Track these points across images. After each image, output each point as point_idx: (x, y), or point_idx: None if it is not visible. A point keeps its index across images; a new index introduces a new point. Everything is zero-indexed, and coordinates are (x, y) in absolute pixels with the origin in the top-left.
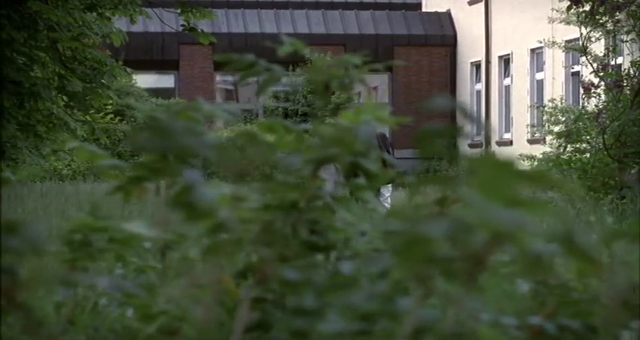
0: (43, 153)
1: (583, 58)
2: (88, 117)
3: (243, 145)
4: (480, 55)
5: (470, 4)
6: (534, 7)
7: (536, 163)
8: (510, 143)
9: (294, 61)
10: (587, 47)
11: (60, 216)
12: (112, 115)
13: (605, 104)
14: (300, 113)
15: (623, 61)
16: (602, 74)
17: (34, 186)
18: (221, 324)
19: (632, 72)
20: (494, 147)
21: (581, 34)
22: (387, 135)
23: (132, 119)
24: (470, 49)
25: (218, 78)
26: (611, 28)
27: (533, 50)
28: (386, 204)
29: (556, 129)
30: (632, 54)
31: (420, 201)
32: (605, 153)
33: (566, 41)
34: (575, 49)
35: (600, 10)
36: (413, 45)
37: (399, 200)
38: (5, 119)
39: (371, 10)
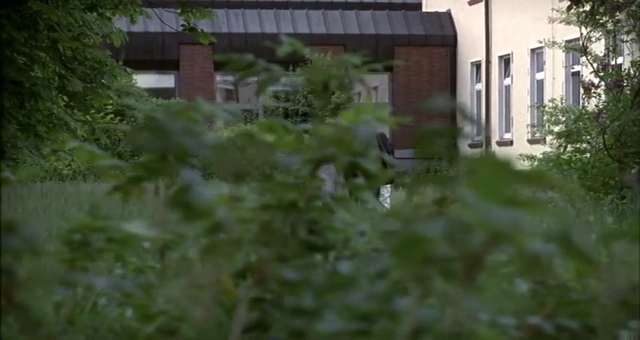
0: (44, 153)
1: (583, 58)
2: (88, 117)
3: (242, 145)
4: (480, 55)
5: (470, 4)
6: (534, 7)
7: (536, 163)
8: (511, 143)
9: (294, 61)
10: (587, 47)
11: (60, 216)
12: (112, 115)
13: (606, 104)
14: (300, 113)
15: (624, 61)
16: (602, 74)
17: (34, 186)
18: (220, 324)
19: (632, 72)
20: (495, 147)
21: (582, 34)
22: (387, 135)
23: (132, 119)
24: (470, 49)
25: (218, 78)
26: (612, 28)
27: (533, 50)
28: (385, 204)
29: (556, 129)
30: (633, 54)
31: (419, 201)
32: (606, 153)
33: (567, 41)
34: (576, 49)
35: (600, 10)
36: (413, 45)
37: (398, 200)
38: (5, 119)
39: (371, 10)
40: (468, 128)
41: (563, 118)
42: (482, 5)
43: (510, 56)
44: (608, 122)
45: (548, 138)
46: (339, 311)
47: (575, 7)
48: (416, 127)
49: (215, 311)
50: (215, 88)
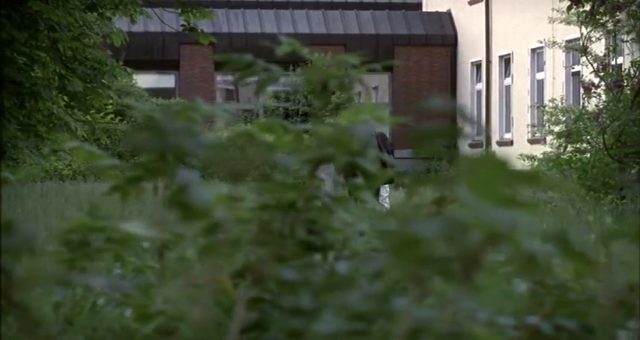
0: (44, 153)
1: (583, 58)
2: (88, 117)
3: (241, 145)
4: (480, 55)
5: (470, 3)
6: (535, 7)
7: (536, 163)
8: (511, 143)
9: (294, 61)
10: (587, 47)
11: (60, 216)
12: (112, 115)
13: (606, 104)
14: (300, 113)
15: (624, 60)
16: (602, 74)
17: (34, 186)
18: (218, 324)
19: (632, 72)
20: (495, 147)
21: (582, 34)
22: (387, 135)
23: (132, 119)
24: (470, 48)
25: (218, 78)
26: (612, 28)
27: (533, 50)
28: (385, 204)
29: (556, 129)
30: (633, 54)
31: (418, 201)
32: (606, 153)
33: (567, 41)
34: (576, 49)
35: (600, 10)
36: (413, 45)
37: (397, 200)
38: (6, 119)
39: (371, 10)
40: (467, 128)
41: (564, 118)
42: (482, 5)
43: (511, 56)
44: (608, 122)
45: (549, 138)
46: (337, 311)
47: (575, 7)
48: (416, 127)
49: (213, 311)
50: (215, 88)
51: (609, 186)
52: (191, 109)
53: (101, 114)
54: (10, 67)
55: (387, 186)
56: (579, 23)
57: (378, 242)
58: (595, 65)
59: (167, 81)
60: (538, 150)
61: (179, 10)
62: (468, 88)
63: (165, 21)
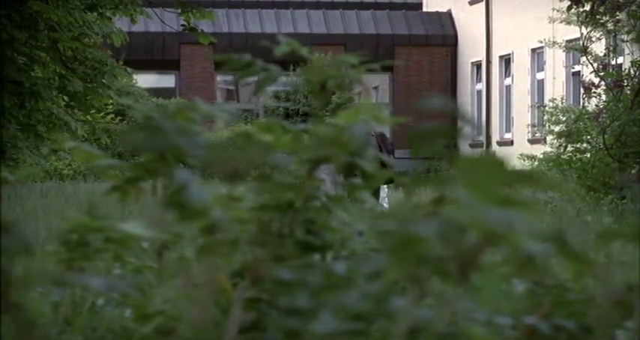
0: (44, 153)
1: (583, 58)
2: (88, 117)
3: (239, 145)
4: (480, 55)
5: (470, 3)
6: (535, 7)
7: (536, 163)
8: (511, 143)
9: (295, 61)
10: (587, 47)
11: (60, 216)
12: (112, 115)
13: (606, 104)
14: (301, 113)
15: (624, 60)
16: (602, 74)
17: (34, 186)
18: (217, 324)
19: (632, 72)
20: (495, 147)
21: (582, 33)
22: (388, 135)
23: (132, 119)
24: (471, 48)
25: (219, 78)
26: (612, 27)
27: (533, 50)
28: (384, 205)
29: (557, 129)
30: (633, 54)
31: (417, 202)
32: (606, 153)
33: (567, 41)
34: (576, 49)
35: (600, 10)
36: (414, 45)
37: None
38: (6, 119)
39: (372, 10)
40: (466, 128)
41: (564, 118)
42: (482, 5)
43: (511, 56)
44: (608, 122)
45: (549, 138)
46: (334, 311)
47: (575, 7)
48: (415, 127)
49: (212, 311)
50: (216, 88)
51: (609, 186)
52: (190, 109)
53: (101, 114)
54: (10, 66)
55: (385, 186)
56: (579, 23)
57: (376, 242)
58: (595, 65)
59: (167, 81)
60: (538, 150)
61: (179, 10)
62: (468, 88)
63: (166, 21)
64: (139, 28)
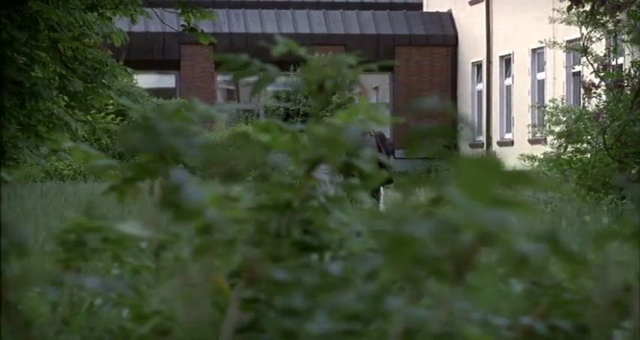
0: (44, 153)
1: (584, 58)
2: (89, 117)
3: (237, 145)
4: (481, 55)
5: (471, 4)
6: (535, 7)
7: (537, 163)
8: (511, 143)
9: (295, 61)
10: (587, 47)
11: (59, 216)
12: (113, 115)
13: (606, 104)
14: (301, 113)
15: (624, 61)
16: (602, 74)
17: (34, 186)
18: (214, 324)
19: (632, 72)
20: (496, 148)
21: (582, 34)
22: (388, 135)
23: (132, 119)
24: (471, 49)
25: (219, 78)
26: (612, 28)
27: (534, 50)
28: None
29: (557, 129)
30: (633, 54)
31: (413, 202)
32: (606, 153)
33: (567, 41)
34: (576, 49)
35: (601, 10)
36: (414, 45)
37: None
38: (6, 119)
39: (372, 10)
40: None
41: (564, 118)
42: (483, 5)
43: (511, 56)
44: (608, 122)
45: (549, 138)
46: (330, 311)
47: (575, 7)
48: (412, 127)
49: (209, 311)
50: (216, 88)
51: (609, 186)
52: (187, 109)
53: (102, 115)
54: (10, 67)
55: (380, 187)
56: (580, 23)
57: (374, 242)
58: (595, 65)
59: (168, 81)
60: (539, 151)
61: (179, 11)
62: (468, 88)
63: (166, 21)
64: (139, 28)
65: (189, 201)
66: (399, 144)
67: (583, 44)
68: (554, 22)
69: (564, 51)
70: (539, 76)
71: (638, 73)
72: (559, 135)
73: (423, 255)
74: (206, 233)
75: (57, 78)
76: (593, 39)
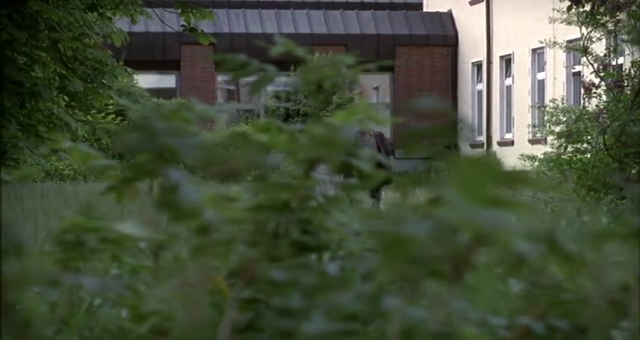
0: (44, 153)
1: (584, 58)
2: (89, 117)
3: (235, 145)
4: (481, 55)
5: (471, 4)
6: (535, 7)
7: (537, 163)
8: (512, 143)
9: (296, 61)
10: (588, 47)
11: (59, 217)
12: (113, 115)
13: (606, 104)
14: (301, 113)
15: (624, 61)
16: (602, 74)
17: (34, 186)
18: (213, 324)
19: (632, 72)
20: (496, 148)
21: (582, 34)
22: (388, 135)
23: (132, 119)
24: (471, 49)
25: (219, 78)
26: (612, 28)
27: (534, 50)
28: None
29: (557, 129)
30: (633, 54)
31: (411, 202)
32: (606, 153)
33: (568, 41)
34: (576, 49)
35: (601, 10)
36: (414, 45)
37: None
38: (6, 119)
39: (372, 10)
40: (466, 129)
41: (564, 118)
42: (483, 5)
43: (511, 56)
44: (608, 122)
45: (549, 138)
46: (327, 311)
47: (575, 7)
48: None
49: (207, 312)
50: (216, 88)
51: (609, 186)
52: (186, 109)
53: (102, 115)
54: (10, 67)
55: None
56: (580, 23)
57: (373, 242)
58: (595, 65)
59: (168, 81)
60: (539, 151)
61: (179, 11)
62: (468, 88)
63: (166, 21)
64: (139, 28)
65: (186, 201)
66: (399, 144)
67: (583, 44)
68: (554, 22)
69: (564, 51)
70: (540, 76)
71: (638, 73)
72: (559, 135)
73: (420, 255)
74: (203, 233)
75: (57, 78)
76: (594, 39)
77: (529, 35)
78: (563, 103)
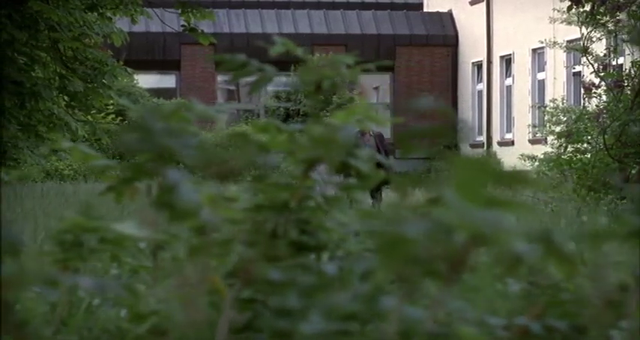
0: (44, 153)
1: (584, 58)
2: (89, 117)
3: (234, 146)
4: (481, 55)
5: (471, 4)
6: (536, 7)
7: (537, 163)
8: (512, 143)
9: (296, 61)
10: (588, 47)
11: (58, 217)
12: (113, 115)
13: (606, 104)
14: (301, 113)
15: (624, 61)
16: (603, 74)
17: (34, 186)
18: (211, 324)
19: (632, 72)
20: (496, 148)
21: (582, 34)
22: (388, 135)
23: (132, 119)
24: (471, 49)
25: (219, 78)
26: (612, 28)
27: (534, 50)
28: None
29: (557, 129)
30: (633, 54)
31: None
32: (606, 153)
33: (568, 41)
34: (577, 49)
35: (601, 10)
36: (414, 45)
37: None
38: (6, 119)
39: (372, 10)
40: (465, 129)
41: (564, 118)
42: (483, 5)
43: (511, 56)
44: (608, 122)
45: (550, 138)
46: (324, 311)
47: (575, 7)
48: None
49: (205, 311)
50: (216, 88)
51: (609, 186)
52: (185, 109)
53: (102, 115)
54: (10, 67)
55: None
56: (580, 23)
57: (371, 242)
58: (596, 65)
59: (168, 81)
60: (539, 151)
61: (179, 11)
62: (469, 88)
63: (167, 21)
64: (139, 28)
65: (184, 201)
66: (398, 144)
67: (583, 44)
68: (554, 22)
69: (564, 51)
70: (540, 76)
71: (638, 73)
72: (559, 135)
73: (417, 255)
74: (201, 233)
75: (57, 78)
76: (594, 39)
77: (529, 35)
78: (563, 103)
